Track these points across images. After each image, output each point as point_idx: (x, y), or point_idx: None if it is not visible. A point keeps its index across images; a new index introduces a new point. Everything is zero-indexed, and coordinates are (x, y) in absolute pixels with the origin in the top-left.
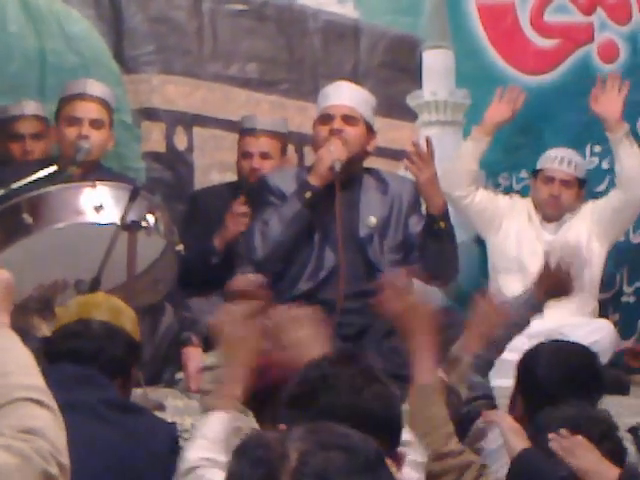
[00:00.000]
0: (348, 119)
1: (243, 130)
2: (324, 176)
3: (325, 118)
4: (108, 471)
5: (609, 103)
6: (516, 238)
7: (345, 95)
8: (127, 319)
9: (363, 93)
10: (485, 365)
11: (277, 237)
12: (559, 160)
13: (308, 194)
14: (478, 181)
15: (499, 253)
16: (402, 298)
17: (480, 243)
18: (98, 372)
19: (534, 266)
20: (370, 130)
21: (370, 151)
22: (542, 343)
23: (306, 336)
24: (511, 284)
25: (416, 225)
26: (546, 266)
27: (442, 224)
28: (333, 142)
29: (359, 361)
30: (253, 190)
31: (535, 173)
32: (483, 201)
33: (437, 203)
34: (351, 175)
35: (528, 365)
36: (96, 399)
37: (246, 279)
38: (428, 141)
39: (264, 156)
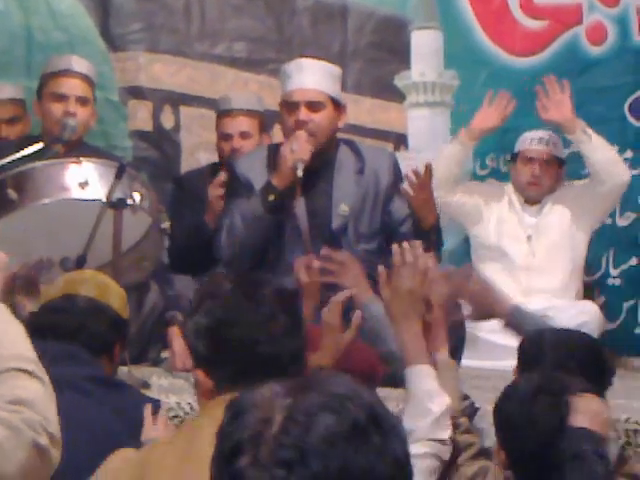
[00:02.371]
0: (313, 105)
1: (220, 112)
2: (287, 177)
3: (290, 106)
4: (92, 446)
5: (558, 107)
6: (496, 226)
7: (308, 77)
8: (114, 296)
9: (326, 68)
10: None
11: (241, 238)
12: (537, 140)
13: (271, 197)
14: (458, 180)
15: (480, 243)
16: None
17: (467, 241)
18: (82, 348)
19: (515, 252)
20: (338, 106)
21: (341, 126)
22: (544, 330)
23: None
24: (493, 272)
25: (398, 211)
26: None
27: (432, 237)
28: (296, 138)
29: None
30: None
31: (513, 157)
32: (462, 197)
33: (430, 221)
34: (323, 157)
35: (532, 351)
36: (80, 375)
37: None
38: (427, 167)
39: (244, 136)
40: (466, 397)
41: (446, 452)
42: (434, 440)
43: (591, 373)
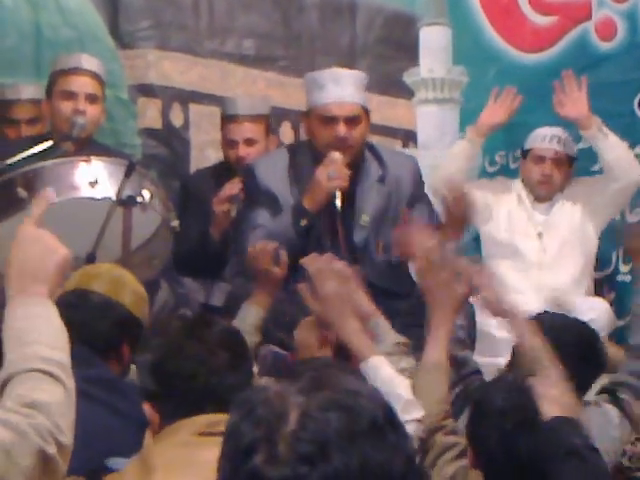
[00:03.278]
0: (353, 120)
1: (225, 117)
2: (320, 202)
3: (326, 120)
4: (87, 448)
5: (574, 103)
6: (507, 223)
7: (345, 90)
8: (128, 293)
9: (357, 77)
10: (470, 338)
11: None
12: (549, 138)
13: (304, 222)
14: (467, 177)
15: (491, 240)
16: (439, 272)
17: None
18: (84, 348)
19: (527, 249)
20: (367, 114)
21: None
22: (541, 314)
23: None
24: (505, 269)
25: (419, 218)
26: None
27: None
28: (332, 162)
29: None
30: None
31: (524, 153)
32: (472, 195)
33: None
34: (350, 169)
35: None
36: (79, 376)
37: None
38: (461, 193)
39: (249, 142)
40: (478, 372)
41: (422, 430)
42: (412, 421)
43: (583, 361)
